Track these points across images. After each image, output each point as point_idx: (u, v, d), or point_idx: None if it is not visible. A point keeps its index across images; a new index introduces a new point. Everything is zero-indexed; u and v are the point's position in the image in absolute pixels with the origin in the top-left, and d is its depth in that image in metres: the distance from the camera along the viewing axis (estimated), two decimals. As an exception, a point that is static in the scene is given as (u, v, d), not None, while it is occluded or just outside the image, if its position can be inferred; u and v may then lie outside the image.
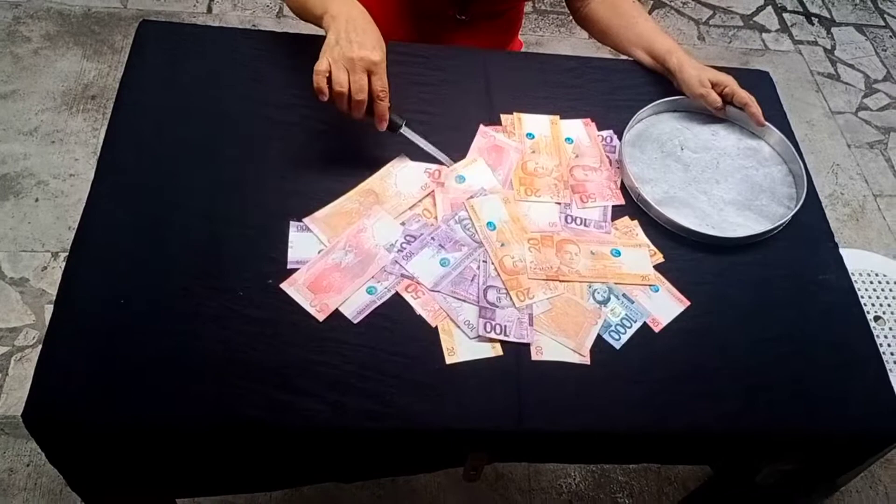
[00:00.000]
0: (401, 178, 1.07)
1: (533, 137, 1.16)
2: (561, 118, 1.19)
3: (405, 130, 1.05)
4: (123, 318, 0.89)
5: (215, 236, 0.98)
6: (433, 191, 1.06)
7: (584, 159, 1.15)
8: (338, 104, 0.98)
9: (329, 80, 0.96)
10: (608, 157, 1.16)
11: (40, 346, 0.87)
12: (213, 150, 1.06)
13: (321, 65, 0.96)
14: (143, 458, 0.91)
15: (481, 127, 1.15)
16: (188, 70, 1.14)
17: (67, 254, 0.95)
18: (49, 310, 1.75)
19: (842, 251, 1.12)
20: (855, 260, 1.55)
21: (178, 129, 1.07)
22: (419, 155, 1.09)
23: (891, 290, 1.53)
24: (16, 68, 2.22)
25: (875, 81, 2.77)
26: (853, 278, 1.10)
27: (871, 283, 1.54)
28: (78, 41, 2.32)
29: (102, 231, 0.96)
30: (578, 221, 1.07)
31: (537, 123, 1.18)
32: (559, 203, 1.09)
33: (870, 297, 1.51)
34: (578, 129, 1.19)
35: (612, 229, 1.07)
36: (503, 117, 1.17)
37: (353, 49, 0.96)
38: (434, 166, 1.09)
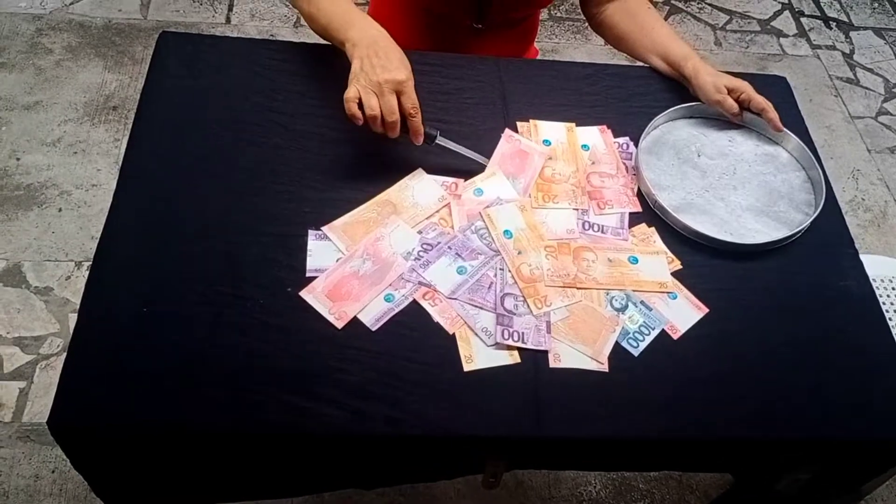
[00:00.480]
0: (418, 190, 1.07)
1: (549, 144, 1.16)
2: (577, 125, 1.19)
3: (440, 140, 1.07)
4: (146, 326, 0.91)
5: (235, 245, 0.99)
6: (449, 203, 1.07)
7: (601, 166, 1.15)
8: (372, 127, 1.00)
9: (360, 105, 0.98)
10: (625, 163, 1.16)
11: (65, 355, 0.88)
12: (232, 160, 1.07)
13: (350, 92, 0.99)
14: (166, 465, 0.92)
15: (507, 131, 1.16)
16: (208, 80, 1.16)
17: (91, 263, 0.97)
18: (73, 318, 1.77)
19: (862, 257, 1.11)
20: (876, 266, 1.53)
21: (198, 139, 1.09)
22: (436, 168, 1.09)
23: (913, 295, 1.51)
24: (38, 80, 2.26)
25: (895, 86, 2.74)
26: (874, 285, 1.09)
27: (894, 289, 1.52)
28: (99, 52, 2.36)
29: (125, 241, 0.98)
30: (596, 228, 1.07)
31: (553, 131, 1.18)
32: (577, 209, 1.09)
33: (892, 304, 1.50)
34: (595, 136, 1.19)
35: (630, 236, 1.07)
36: (519, 124, 1.18)
37: (377, 73, 0.98)
38: (451, 179, 1.09)
